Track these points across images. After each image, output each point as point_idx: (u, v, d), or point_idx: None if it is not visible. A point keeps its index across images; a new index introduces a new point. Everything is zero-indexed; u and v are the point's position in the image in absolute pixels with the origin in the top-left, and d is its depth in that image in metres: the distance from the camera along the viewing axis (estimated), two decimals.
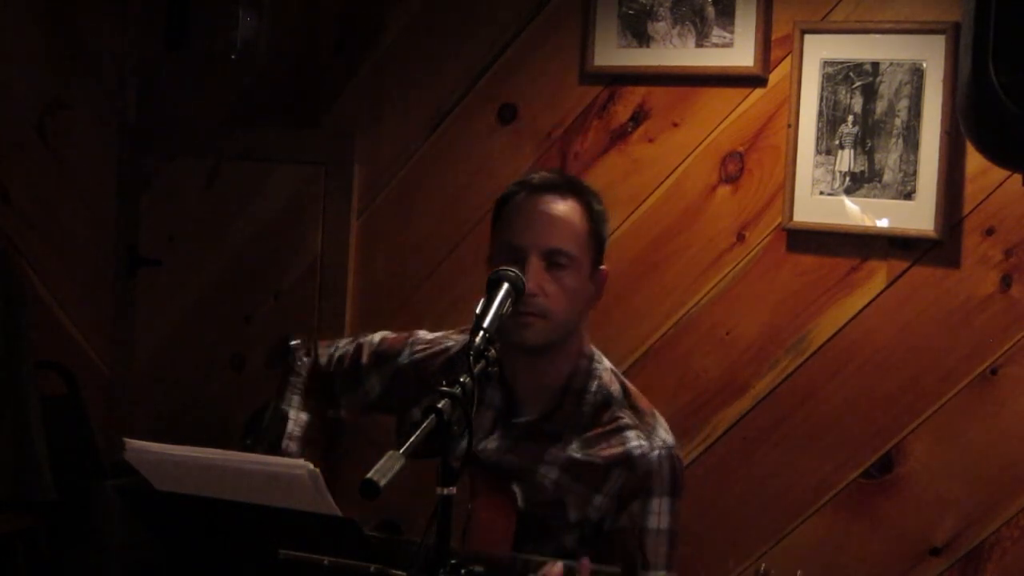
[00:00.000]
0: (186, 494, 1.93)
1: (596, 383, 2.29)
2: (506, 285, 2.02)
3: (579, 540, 2.24)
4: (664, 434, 2.26)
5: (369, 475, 1.66)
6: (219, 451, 1.95)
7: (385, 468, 1.67)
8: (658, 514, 2.21)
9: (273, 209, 4.05)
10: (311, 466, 1.89)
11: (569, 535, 2.24)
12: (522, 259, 2.19)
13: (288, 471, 1.91)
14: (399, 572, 1.79)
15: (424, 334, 2.46)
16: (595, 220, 2.28)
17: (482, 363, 1.87)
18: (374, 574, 1.79)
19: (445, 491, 1.75)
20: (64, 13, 4.03)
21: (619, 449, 2.23)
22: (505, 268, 2.06)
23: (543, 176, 2.31)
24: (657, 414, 2.31)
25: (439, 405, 1.75)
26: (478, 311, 1.95)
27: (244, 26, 3.96)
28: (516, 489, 2.23)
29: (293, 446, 2.38)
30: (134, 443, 1.98)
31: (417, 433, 1.73)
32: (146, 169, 4.24)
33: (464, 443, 1.77)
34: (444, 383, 1.79)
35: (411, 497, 1.94)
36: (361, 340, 2.50)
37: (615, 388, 2.30)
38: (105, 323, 4.22)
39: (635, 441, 2.23)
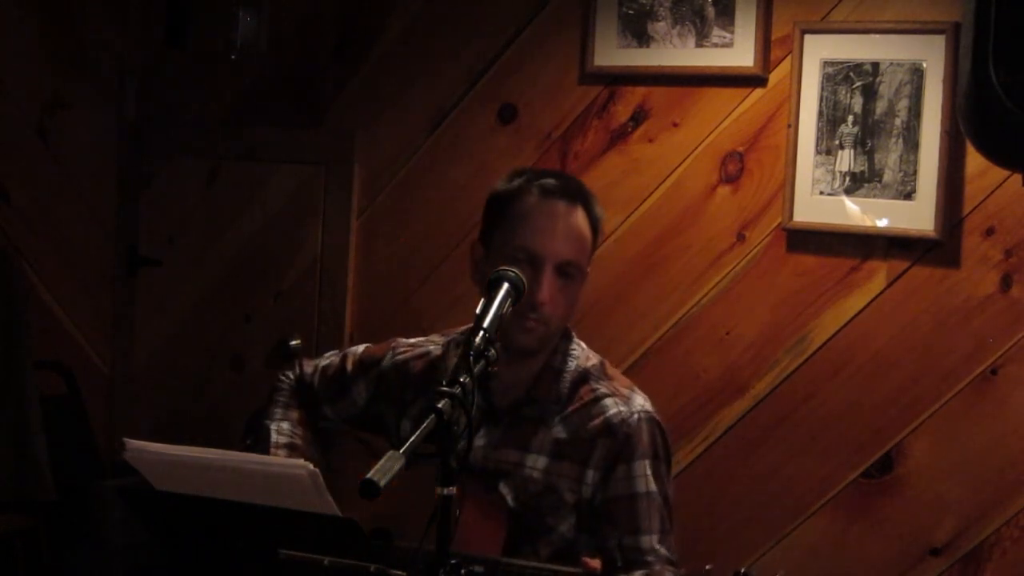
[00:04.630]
0: (186, 494, 1.93)
1: (574, 362, 2.31)
2: (506, 285, 2.02)
3: (576, 525, 2.25)
4: (642, 401, 2.29)
5: (369, 475, 1.66)
6: (219, 451, 1.95)
7: (385, 468, 1.67)
8: (644, 477, 2.22)
9: (273, 209, 4.05)
10: (311, 466, 1.89)
11: (566, 522, 2.24)
12: (537, 266, 2.20)
13: (288, 471, 1.91)
14: (399, 572, 1.79)
15: (404, 340, 2.49)
16: (597, 230, 2.30)
17: (482, 363, 1.87)
18: (374, 574, 1.79)
19: (445, 491, 1.75)
20: (64, 12, 4.03)
21: (599, 419, 2.25)
22: (505, 268, 2.05)
23: (553, 179, 2.29)
24: (634, 387, 2.33)
25: (439, 405, 1.75)
26: (478, 311, 1.95)
27: (244, 26, 3.96)
28: (504, 489, 2.24)
29: (281, 453, 2.37)
30: (134, 443, 1.98)
31: (417, 433, 1.73)
32: (146, 169, 4.24)
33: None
34: (444, 383, 1.79)
35: (401, 504, 1.94)
36: (346, 351, 2.53)
37: (592, 363, 2.33)
38: (105, 323, 4.22)
39: (613, 408, 2.25)
